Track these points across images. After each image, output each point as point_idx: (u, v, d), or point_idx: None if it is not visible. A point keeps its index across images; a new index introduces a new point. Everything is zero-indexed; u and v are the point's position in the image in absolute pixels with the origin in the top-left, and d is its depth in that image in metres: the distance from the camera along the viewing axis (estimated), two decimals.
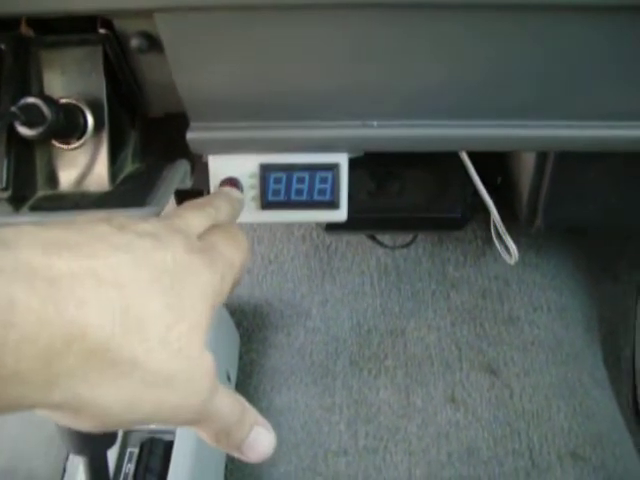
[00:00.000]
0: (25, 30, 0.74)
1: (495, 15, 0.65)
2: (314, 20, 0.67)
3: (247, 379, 1.27)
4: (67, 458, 1.32)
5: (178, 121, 0.82)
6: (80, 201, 0.75)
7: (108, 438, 0.64)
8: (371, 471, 1.12)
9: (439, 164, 1.14)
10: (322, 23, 0.67)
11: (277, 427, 1.19)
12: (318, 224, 1.27)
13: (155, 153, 0.84)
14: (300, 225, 1.49)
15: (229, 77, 0.73)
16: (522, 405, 1.20)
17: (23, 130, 0.70)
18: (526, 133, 0.78)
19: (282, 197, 0.85)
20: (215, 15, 0.67)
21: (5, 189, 0.72)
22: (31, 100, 0.69)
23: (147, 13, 0.66)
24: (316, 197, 0.85)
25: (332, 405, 1.21)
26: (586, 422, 1.19)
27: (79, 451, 0.62)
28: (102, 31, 0.72)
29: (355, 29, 0.68)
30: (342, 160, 0.84)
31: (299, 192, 0.85)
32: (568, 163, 1.02)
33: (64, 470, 1.30)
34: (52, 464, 1.33)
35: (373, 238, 1.38)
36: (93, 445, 0.62)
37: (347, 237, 1.46)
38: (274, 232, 1.49)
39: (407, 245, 1.43)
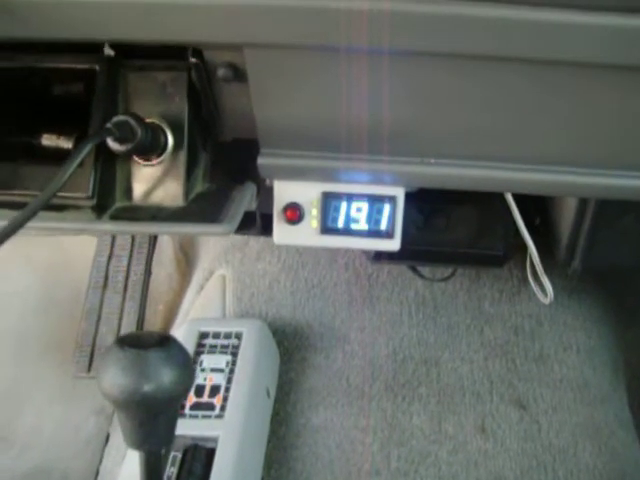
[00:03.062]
0: (108, 52, 0.80)
1: (547, 69, 0.71)
2: (387, 64, 0.72)
3: (285, 397, 1.31)
4: (101, 462, 1.36)
5: (246, 146, 0.87)
6: (157, 214, 0.81)
7: (166, 436, 0.68)
8: None
9: (484, 203, 1.18)
10: (394, 67, 0.72)
11: (313, 444, 1.23)
12: (364, 253, 1.32)
13: (223, 175, 0.89)
14: (344, 253, 1.53)
15: (305, 110, 0.78)
16: (549, 440, 1.23)
17: (114, 145, 0.75)
18: (576, 180, 0.83)
19: (341, 224, 0.90)
20: (299, 53, 0.72)
21: (91, 198, 0.77)
22: (124, 118, 0.75)
23: (237, 47, 0.72)
24: (372, 226, 0.90)
25: (366, 427, 1.25)
26: (611, 462, 1.21)
27: (138, 446, 0.64)
28: (193, 60, 0.78)
29: (423, 74, 0.73)
30: (399, 193, 0.89)
31: (357, 220, 0.90)
32: (609, 207, 1.05)
33: (97, 473, 1.34)
34: (86, 467, 1.36)
35: (414, 269, 1.42)
36: (152, 441, 0.65)
37: (388, 268, 1.50)
38: (318, 258, 1.53)
39: (446, 279, 1.46)
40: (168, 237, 1.69)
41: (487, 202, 1.18)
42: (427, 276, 1.45)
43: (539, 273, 1.18)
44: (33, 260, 1.68)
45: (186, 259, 1.68)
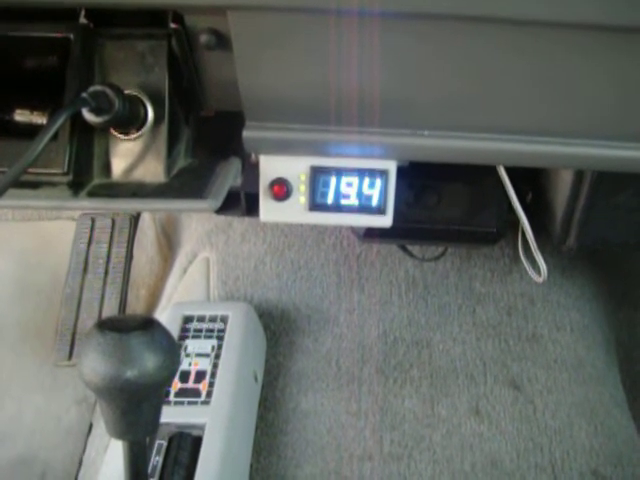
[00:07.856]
0: (84, 21, 0.76)
1: (544, 33, 0.68)
2: (378, 29, 0.69)
3: (274, 381, 1.28)
4: (84, 451, 1.33)
5: (230, 119, 0.84)
6: (138, 190, 0.77)
7: (150, 425, 0.65)
8: (395, 478, 1.12)
9: (476, 179, 1.16)
10: (384, 32, 0.69)
11: (303, 429, 1.21)
12: (354, 231, 1.29)
13: (206, 150, 0.86)
14: (331, 233, 1.51)
15: (293, 78, 0.75)
16: (545, 421, 1.21)
17: (90, 117, 0.72)
18: (570, 151, 0.80)
19: (330, 200, 0.87)
20: (286, 16, 0.69)
21: (66, 174, 0.74)
22: (100, 88, 0.71)
23: (221, 10, 0.68)
24: (363, 202, 0.87)
25: (358, 411, 1.22)
26: (607, 442, 1.20)
27: (121, 436, 0.63)
28: (173, 26, 0.74)
29: (413, 40, 0.70)
30: (391, 167, 0.86)
31: (347, 196, 0.87)
32: (605, 183, 1.03)
33: (80, 463, 1.31)
34: (69, 457, 1.33)
35: (404, 248, 1.39)
36: (135, 430, 0.63)
37: (377, 247, 1.47)
38: (305, 239, 1.51)
39: (436, 258, 1.44)
40: (149, 220, 1.66)
41: (479, 178, 1.16)
42: (417, 255, 1.43)
43: (533, 250, 1.15)
44: (10, 244, 1.64)
45: (168, 242, 1.65)
